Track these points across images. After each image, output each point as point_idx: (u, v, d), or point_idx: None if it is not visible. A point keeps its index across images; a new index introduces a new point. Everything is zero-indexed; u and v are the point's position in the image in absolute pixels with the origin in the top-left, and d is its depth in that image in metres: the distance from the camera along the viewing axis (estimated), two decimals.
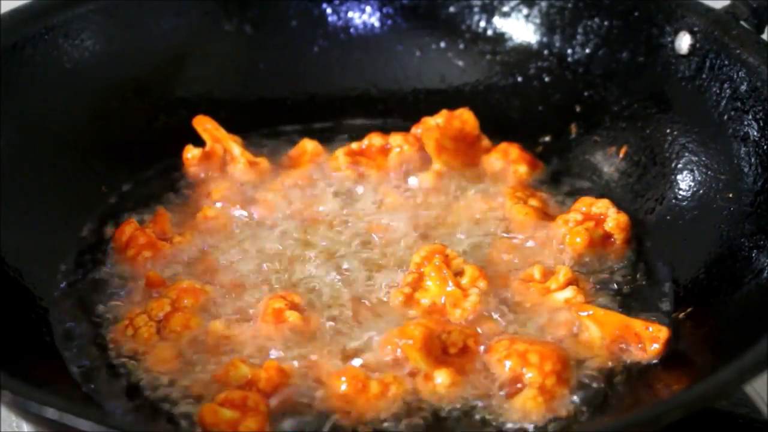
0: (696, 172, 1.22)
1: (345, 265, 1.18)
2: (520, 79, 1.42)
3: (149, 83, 1.38)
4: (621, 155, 1.32)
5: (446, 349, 1.05)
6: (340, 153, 1.32)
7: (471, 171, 1.32)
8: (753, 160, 1.15)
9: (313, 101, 1.44)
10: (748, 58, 1.18)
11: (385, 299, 1.13)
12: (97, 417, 0.83)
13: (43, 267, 1.16)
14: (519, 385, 1.03)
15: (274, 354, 1.06)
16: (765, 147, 1.13)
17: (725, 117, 1.19)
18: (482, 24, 1.43)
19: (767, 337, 0.90)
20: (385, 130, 1.35)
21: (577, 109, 1.37)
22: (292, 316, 1.09)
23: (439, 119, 1.34)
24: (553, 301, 1.12)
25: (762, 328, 0.93)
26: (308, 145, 1.35)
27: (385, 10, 1.45)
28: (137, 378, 1.05)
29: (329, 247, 1.21)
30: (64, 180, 1.26)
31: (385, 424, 1.00)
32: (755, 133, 1.15)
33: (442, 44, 1.45)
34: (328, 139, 1.38)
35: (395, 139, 1.33)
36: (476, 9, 1.43)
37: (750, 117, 1.16)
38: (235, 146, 1.33)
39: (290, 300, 1.11)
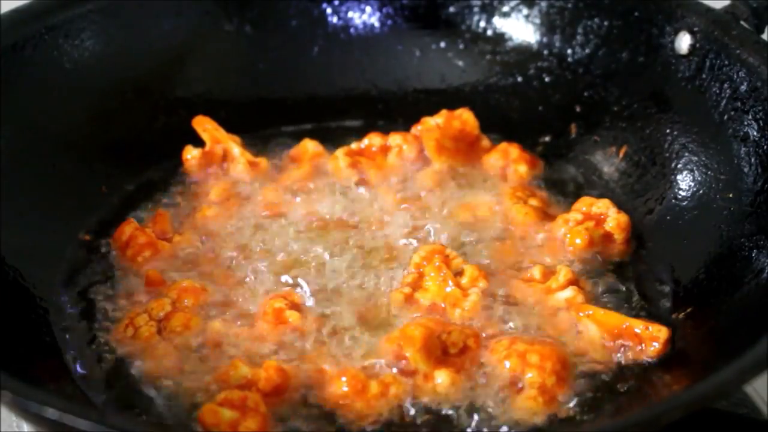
0: (696, 172, 1.23)
1: (345, 265, 1.18)
2: (520, 79, 1.42)
3: (149, 83, 1.38)
4: (621, 155, 1.32)
5: (446, 349, 1.05)
6: (340, 153, 1.32)
7: (471, 171, 1.32)
8: (753, 160, 1.15)
9: (313, 101, 1.44)
10: (748, 58, 1.18)
11: (385, 299, 1.13)
12: (97, 417, 0.83)
13: (43, 267, 1.16)
14: (519, 385, 1.03)
15: (274, 354, 1.06)
16: (765, 147, 1.13)
17: (725, 117, 1.19)
18: (482, 24, 1.43)
19: (767, 337, 0.90)
20: (385, 130, 1.35)
21: (577, 109, 1.37)
22: (292, 316, 1.09)
23: (439, 119, 1.34)
24: (553, 301, 1.12)
25: (762, 328, 0.93)
26: (308, 145, 1.35)
27: (385, 10, 1.45)
28: (137, 377, 1.05)
29: (329, 247, 1.21)
30: (64, 180, 1.26)
31: (385, 425, 1.00)
32: (755, 133, 1.15)
33: (442, 44, 1.45)
34: (328, 139, 1.37)
35: (395, 139, 1.33)
36: (476, 9, 1.43)
37: (750, 117, 1.16)
38: (234, 146, 1.33)
39: (290, 300, 1.11)
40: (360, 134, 1.35)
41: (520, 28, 1.42)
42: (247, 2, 1.43)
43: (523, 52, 1.42)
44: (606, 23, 1.35)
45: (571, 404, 1.02)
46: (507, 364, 1.04)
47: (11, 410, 0.94)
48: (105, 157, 1.32)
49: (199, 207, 1.27)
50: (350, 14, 1.46)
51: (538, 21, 1.40)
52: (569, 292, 1.12)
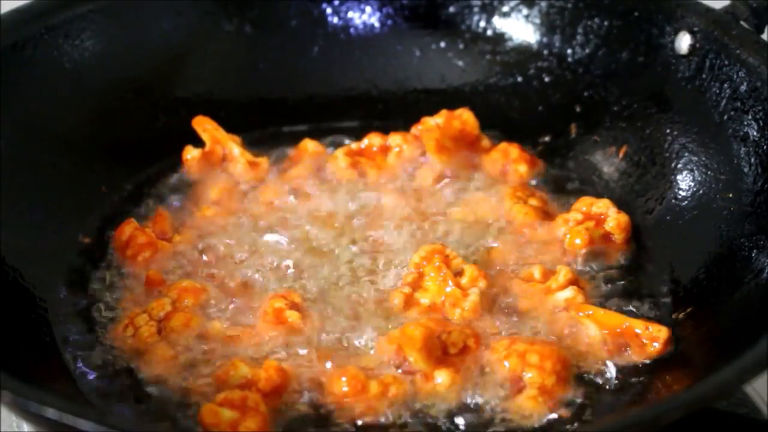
0: (696, 172, 1.23)
1: (345, 265, 1.18)
2: (520, 79, 1.42)
3: (149, 83, 1.38)
4: (621, 155, 1.32)
5: (446, 349, 1.05)
6: (340, 153, 1.32)
7: (471, 171, 1.32)
8: (753, 160, 1.15)
9: (313, 101, 1.44)
10: (748, 58, 1.18)
11: (385, 299, 1.13)
12: (97, 417, 0.83)
13: (43, 267, 1.16)
14: (519, 385, 1.03)
15: (274, 354, 1.06)
16: (765, 147, 1.13)
17: (725, 117, 1.19)
18: (482, 24, 1.43)
19: (767, 337, 0.90)
20: (385, 130, 1.35)
21: (577, 109, 1.37)
22: (292, 316, 1.09)
23: (439, 119, 1.34)
24: (553, 301, 1.12)
25: (762, 328, 0.93)
26: (308, 145, 1.35)
27: (385, 10, 1.45)
28: (137, 378, 1.05)
29: (329, 247, 1.21)
30: (64, 180, 1.26)
31: (385, 425, 1.00)
32: (755, 133, 1.15)
33: (442, 44, 1.45)
34: (328, 139, 1.38)
35: (395, 139, 1.33)
36: (476, 9, 1.43)
37: (750, 117, 1.16)
38: (234, 146, 1.33)
39: (290, 300, 1.11)
40: (360, 134, 1.35)
41: (520, 28, 1.42)
42: (247, 2, 1.43)
43: (523, 52, 1.42)
44: (606, 23, 1.35)
45: (571, 404, 1.02)
46: (507, 364, 1.04)
47: (11, 410, 0.94)
48: (105, 157, 1.31)
49: (199, 207, 1.27)
50: (350, 14, 1.46)
51: (538, 21, 1.40)
52: (569, 292, 1.12)
